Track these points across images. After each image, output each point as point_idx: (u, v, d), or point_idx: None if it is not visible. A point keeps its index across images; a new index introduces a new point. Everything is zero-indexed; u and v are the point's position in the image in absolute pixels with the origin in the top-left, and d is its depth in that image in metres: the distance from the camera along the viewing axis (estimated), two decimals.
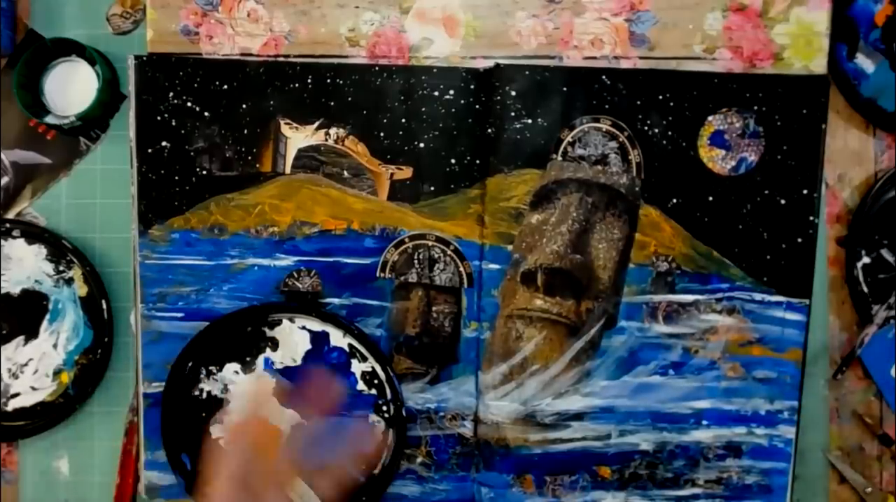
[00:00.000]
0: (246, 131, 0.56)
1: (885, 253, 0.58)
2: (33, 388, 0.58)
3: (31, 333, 0.58)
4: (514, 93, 0.55)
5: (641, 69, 0.57)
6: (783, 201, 0.56)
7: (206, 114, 0.56)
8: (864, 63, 0.57)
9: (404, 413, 0.56)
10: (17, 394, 0.58)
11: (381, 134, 0.56)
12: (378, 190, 0.57)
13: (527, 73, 0.56)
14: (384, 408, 0.57)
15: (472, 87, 0.56)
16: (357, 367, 0.57)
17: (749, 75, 0.56)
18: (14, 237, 0.58)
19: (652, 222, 0.56)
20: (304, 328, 0.57)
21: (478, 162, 0.56)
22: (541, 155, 0.56)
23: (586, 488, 0.57)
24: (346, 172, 0.57)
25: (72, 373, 0.58)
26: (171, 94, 0.56)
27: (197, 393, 0.57)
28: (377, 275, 0.57)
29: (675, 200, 0.56)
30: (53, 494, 0.59)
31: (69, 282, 0.58)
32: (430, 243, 0.57)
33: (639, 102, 0.56)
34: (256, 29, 0.57)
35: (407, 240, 0.57)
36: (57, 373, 0.58)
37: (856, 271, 0.58)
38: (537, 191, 0.56)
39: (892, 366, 0.57)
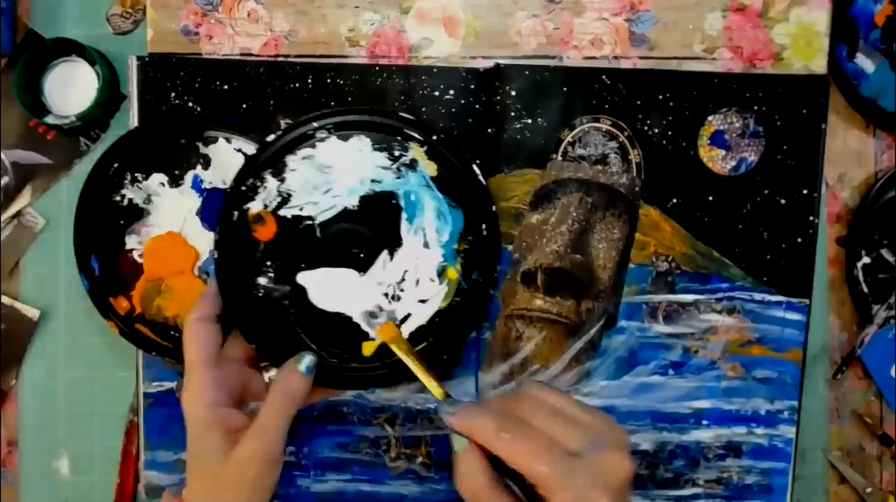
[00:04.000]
0: None
1: (885, 253, 0.58)
2: (422, 301, 0.50)
3: (393, 243, 0.50)
4: (514, 93, 0.55)
5: (641, 69, 0.57)
6: (783, 201, 0.56)
7: (207, 114, 0.56)
8: (864, 63, 0.57)
9: None
10: (407, 317, 0.50)
11: None
12: None
13: (527, 73, 0.56)
14: None
15: (472, 87, 0.56)
16: None
17: (749, 75, 0.56)
18: (322, 140, 0.50)
19: (652, 222, 0.56)
20: (239, 150, 0.55)
21: (478, 162, 0.56)
22: (541, 155, 0.56)
23: None
24: None
25: (458, 265, 0.51)
26: (173, 94, 0.56)
27: (118, 198, 0.55)
28: None
29: (675, 200, 0.56)
30: (53, 494, 0.59)
31: (412, 165, 0.50)
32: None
33: (639, 102, 0.56)
34: (256, 29, 0.57)
35: None
36: (441, 272, 0.51)
37: (856, 271, 0.58)
38: (537, 191, 0.56)
39: (892, 366, 0.57)
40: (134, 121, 0.56)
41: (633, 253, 0.56)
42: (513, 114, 0.56)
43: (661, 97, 0.56)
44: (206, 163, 0.55)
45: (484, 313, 0.52)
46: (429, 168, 0.51)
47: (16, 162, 0.59)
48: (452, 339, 0.51)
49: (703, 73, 0.56)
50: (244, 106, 0.56)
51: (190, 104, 0.56)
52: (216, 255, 0.49)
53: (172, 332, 0.55)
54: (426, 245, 0.50)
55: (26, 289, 0.59)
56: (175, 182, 0.55)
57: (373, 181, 0.51)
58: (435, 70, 0.56)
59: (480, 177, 0.51)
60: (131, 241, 0.55)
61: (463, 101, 0.56)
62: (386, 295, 0.50)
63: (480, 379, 0.57)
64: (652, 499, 0.57)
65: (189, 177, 0.56)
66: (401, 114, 0.51)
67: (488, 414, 0.42)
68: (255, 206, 0.50)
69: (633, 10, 0.57)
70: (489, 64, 0.56)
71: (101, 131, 0.59)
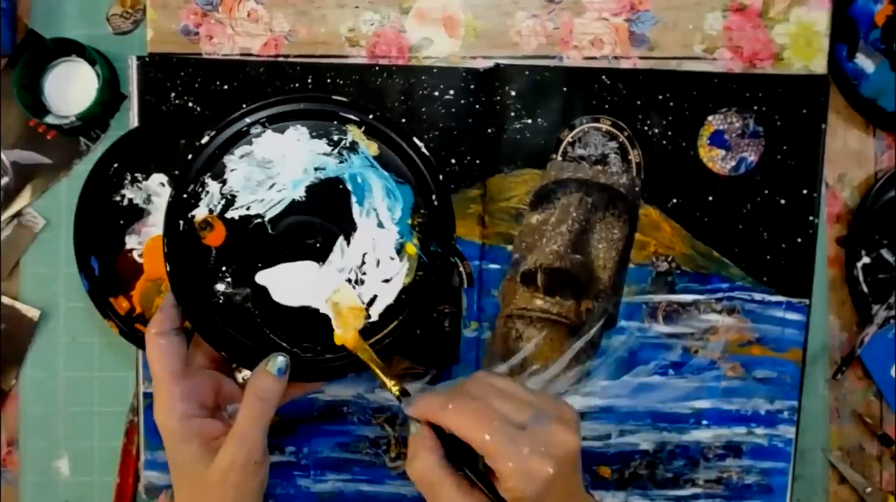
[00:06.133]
0: None
1: (885, 253, 0.58)
2: (385, 281, 0.50)
3: (348, 228, 0.50)
4: (514, 93, 0.55)
5: (641, 69, 0.57)
6: (783, 201, 0.56)
7: (207, 114, 0.56)
8: (864, 63, 0.57)
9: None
10: (374, 299, 0.50)
11: None
12: None
13: (527, 73, 0.56)
14: None
15: (472, 87, 0.56)
16: None
17: (749, 75, 0.56)
18: (258, 135, 0.49)
19: (652, 222, 0.56)
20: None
21: (478, 162, 0.56)
22: (541, 155, 0.56)
23: (585, 487, 0.57)
24: None
25: (415, 240, 0.50)
26: (173, 94, 0.56)
27: (118, 198, 0.55)
28: None
29: (675, 200, 0.56)
30: (53, 494, 0.59)
31: (353, 147, 0.50)
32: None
33: (639, 102, 0.56)
34: (256, 29, 0.57)
35: None
36: (399, 249, 0.50)
37: (856, 271, 0.58)
38: (537, 191, 0.56)
39: (892, 366, 0.57)
40: (134, 121, 0.56)
41: (633, 253, 0.56)
42: (513, 114, 0.56)
43: (661, 97, 0.56)
44: None
45: (448, 282, 0.52)
46: (370, 148, 0.50)
47: (16, 162, 0.59)
48: (421, 313, 0.50)
49: (703, 73, 0.56)
50: (244, 106, 0.56)
51: (190, 104, 0.56)
52: (168, 268, 0.49)
53: None
54: (380, 225, 0.50)
55: (26, 289, 0.59)
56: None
57: (316, 169, 0.50)
58: (435, 70, 0.56)
59: (423, 149, 0.50)
60: (131, 241, 0.55)
61: (463, 101, 0.56)
62: (349, 280, 0.49)
63: None
64: (652, 499, 0.57)
65: None
66: (332, 97, 0.50)
67: (436, 395, 0.44)
68: (199, 213, 0.49)
69: (633, 10, 0.57)
70: (489, 64, 0.56)
71: (101, 131, 0.59)
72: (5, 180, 0.59)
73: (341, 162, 0.50)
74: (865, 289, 0.58)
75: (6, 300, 0.59)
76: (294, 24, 0.57)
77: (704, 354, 0.57)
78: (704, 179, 0.56)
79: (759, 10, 0.57)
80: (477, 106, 0.56)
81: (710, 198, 0.56)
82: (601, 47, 0.57)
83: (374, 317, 0.50)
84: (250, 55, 0.57)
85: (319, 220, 0.50)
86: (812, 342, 0.57)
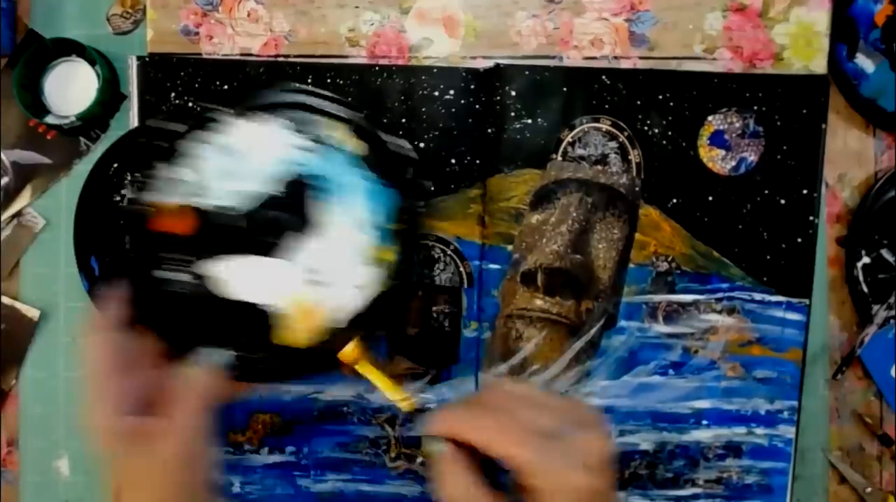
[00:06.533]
0: None
1: (885, 253, 0.58)
2: (357, 286, 0.47)
3: (320, 227, 0.47)
4: (514, 93, 0.55)
5: (641, 69, 0.57)
6: (783, 201, 0.56)
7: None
8: (864, 63, 0.57)
9: None
10: (342, 304, 0.47)
11: None
12: None
13: (527, 73, 0.56)
14: None
15: (472, 87, 0.56)
16: None
17: (749, 75, 0.56)
18: (235, 125, 0.46)
19: (652, 222, 0.56)
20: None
21: (478, 162, 0.56)
22: (541, 155, 0.56)
23: None
24: None
25: (395, 247, 0.47)
26: (173, 94, 0.56)
27: (118, 198, 0.54)
28: None
29: (675, 200, 0.56)
30: (53, 494, 0.59)
31: (337, 145, 0.47)
32: (430, 243, 0.57)
33: (639, 102, 0.56)
34: (256, 29, 0.57)
35: None
36: (375, 255, 0.47)
37: (856, 271, 0.58)
38: (537, 191, 0.56)
39: (892, 366, 0.57)
40: (134, 121, 0.56)
41: (633, 253, 0.56)
42: (513, 114, 0.56)
43: (661, 97, 0.56)
44: None
45: (415, 287, 0.50)
46: (357, 147, 0.48)
47: (16, 162, 0.59)
48: (391, 320, 0.49)
49: (703, 73, 0.56)
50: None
51: (190, 104, 0.56)
52: (106, 258, 0.48)
53: None
54: (356, 228, 0.47)
55: (26, 289, 0.59)
56: None
57: (295, 164, 0.47)
58: (435, 70, 0.56)
59: (411, 153, 0.48)
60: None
61: (463, 101, 0.56)
62: (312, 281, 0.47)
63: (480, 379, 0.57)
64: (652, 499, 0.57)
65: None
66: (320, 91, 0.48)
67: (460, 409, 0.41)
68: (171, 200, 0.47)
69: (633, 10, 0.57)
70: (489, 64, 0.56)
71: (101, 131, 0.59)
72: (5, 180, 0.59)
73: (322, 159, 0.48)
74: (865, 289, 0.58)
75: (6, 300, 0.59)
76: (294, 24, 0.57)
77: (704, 354, 0.57)
78: (704, 179, 0.56)
79: (759, 10, 0.57)
80: (477, 106, 0.56)
81: (710, 198, 0.56)
82: (601, 47, 0.57)
83: (343, 324, 0.47)
84: (250, 55, 0.57)
85: (291, 217, 0.47)
86: (812, 342, 0.57)
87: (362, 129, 0.49)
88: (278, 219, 0.48)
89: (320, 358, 0.48)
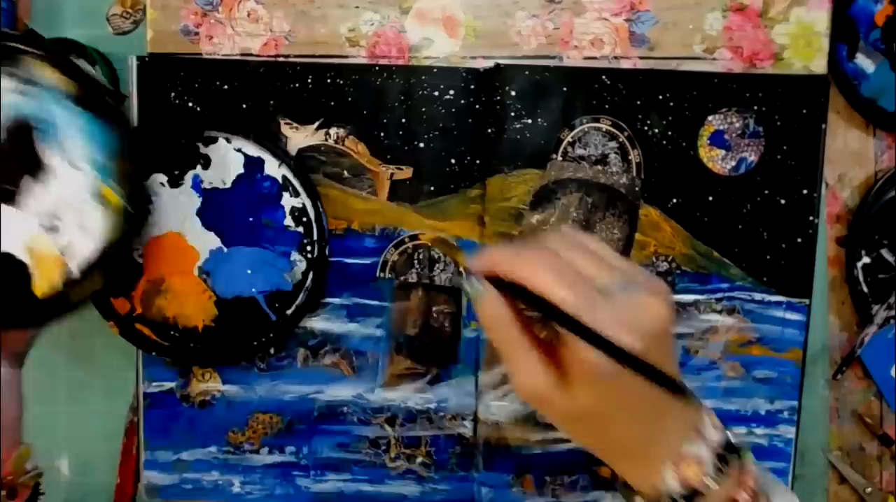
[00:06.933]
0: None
1: (885, 253, 0.58)
2: (83, 229, 0.47)
3: (39, 170, 0.46)
4: (514, 93, 0.55)
5: (641, 69, 0.57)
6: (783, 201, 0.56)
7: (207, 114, 0.56)
8: (864, 63, 0.57)
9: (328, 253, 0.54)
10: (73, 249, 0.46)
11: (382, 134, 0.56)
12: (378, 190, 0.57)
13: (527, 73, 0.56)
14: (308, 248, 0.55)
15: (472, 87, 0.56)
16: (287, 201, 0.55)
17: (749, 75, 0.56)
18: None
19: (652, 222, 0.56)
20: (239, 150, 0.55)
21: (478, 162, 0.56)
22: (541, 155, 0.56)
23: (586, 488, 0.57)
24: (346, 172, 0.57)
25: (119, 187, 0.46)
26: (173, 94, 0.56)
27: None
28: (377, 275, 0.57)
29: (675, 200, 0.56)
30: (53, 494, 0.59)
31: (45, 84, 0.46)
32: (430, 243, 0.57)
33: (639, 102, 0.56)
34: (256, 29, 0.57)
35: (407, 240, 0.57)
36: (97, 195, 0.47)
37: (856, 271, 0.58)
38: (537, 191, 0.56)
39: (892, 366, 0.57)
40: (134, 121, 0.56)
41: (634, 253, 0.56)
42: (513, 114, 0.56)
43: (661, 97, 0.56)
44: (206, 163, 0.55)
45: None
46: (65, 85, 0.46)
47: None
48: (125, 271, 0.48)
49: (703, 73, 0.56)
50: (244, 106, 0.56)
51: (190, 104, 0.56)
52: None
53: (172, 332, 0.55)
54: (76, 168, 0.45)
55: None
56: (175, 182, 0.56)
57: (11, 108, 0.46)
58: (435, 70, 0.56)
59: (108, 84, 0.47)
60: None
61: (463, 101, 0.56)
62: (43, 226, 0.45)
63: (480, 379, 0.57)
64: None
65: (189, 177, 0.56)
66: (7, 31, 0.47)
67: (507, 247, 0.37)
68: None
69: (633, 10, 0.57)
70: (489, 64, 0.56)
71: None
72: None
73: (31, 99, 0.45)
74: (865, 289, 0.58)
75: None
76: (294, 24, 0.57)
77: (704, 354, 0.57)
78: (704, 179, 0.56)
79: (759, 10, 0.57)
80: (477, 106, 0.56)
81: (710, 198, 0.56)
82: (601, 47, 0.57)
83: (76, 274, 0.45)
84: (250, 55, 0.57)
85: (23, 161, 0.46)
86: (812, 342, 0.57)
87: (66, 65, 0.46)
88: (10, 165, 0.46)
89: (56, 307, 0.47)
